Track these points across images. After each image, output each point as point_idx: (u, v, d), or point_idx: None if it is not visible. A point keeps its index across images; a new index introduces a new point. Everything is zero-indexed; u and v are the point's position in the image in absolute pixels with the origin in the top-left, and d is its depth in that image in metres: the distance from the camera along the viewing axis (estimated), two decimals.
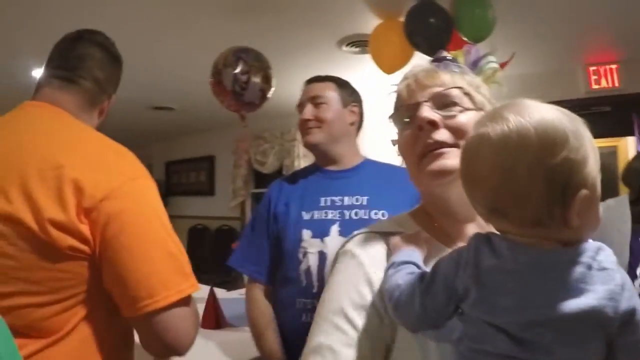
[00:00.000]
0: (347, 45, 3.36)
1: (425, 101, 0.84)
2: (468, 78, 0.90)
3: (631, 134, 3.81)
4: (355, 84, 1.88)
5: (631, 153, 3.98)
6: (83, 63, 1.17)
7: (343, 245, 0.93)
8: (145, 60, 3.62)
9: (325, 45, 3.37)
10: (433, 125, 0.82)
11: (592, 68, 3.95)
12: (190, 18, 2.91)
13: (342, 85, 1.83)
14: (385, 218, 1.56)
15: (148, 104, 5.12)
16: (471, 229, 0.85)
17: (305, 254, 1.62)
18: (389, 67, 2.92)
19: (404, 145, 0.89)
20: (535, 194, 0.59)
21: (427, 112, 0.83)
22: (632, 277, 2.00)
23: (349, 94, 1.83)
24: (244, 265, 1.79)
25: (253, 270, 1.76)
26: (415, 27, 2.68)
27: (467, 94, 0.86)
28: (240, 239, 1.90)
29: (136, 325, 1.03)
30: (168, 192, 7.73)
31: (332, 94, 1.78)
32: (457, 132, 0.82)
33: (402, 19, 2.75)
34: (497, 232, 0.66)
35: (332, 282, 0.88)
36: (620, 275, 0.60)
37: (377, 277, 0.81)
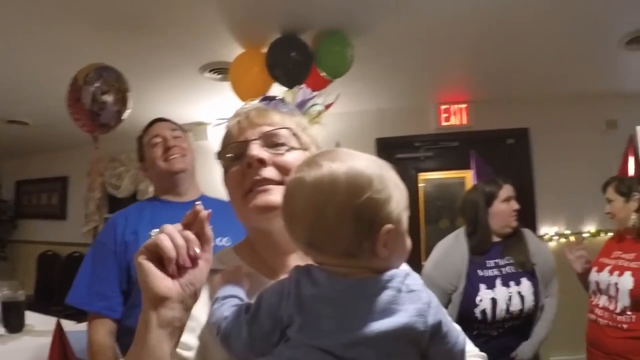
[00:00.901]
0: (209, 71, 3.34)
1: (255, 139, 0.87)
2: (296, 119, 0.96)
3: None
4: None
5: None
6: None
7: None
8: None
9: (187, 70, 3.33)
10: (261, 162, 0.85)
11: (443, 107, 4.34)
12: (53, 31, 2.72)
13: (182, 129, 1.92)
14: (228, 244, 1.62)
15: (0, 117, 4.68)
16: (293, 261, 0.88)
17: None
18: (247, 96, 2.85)
19: (231, 182, 0.90)
20: (344, 229, 0.66)
21: (257, 150, 0.85)
22: (472, 304, 2.12)
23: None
24: (89, 302, 1.66)
25: (102, 307, 1.64)
26: (276, 59, 2.74)
27: (294, 134, 0.91)
28: (78, 274, 1.74)
29: None
30: (17, 214, 7.02)
31: (181, 132, 1.86)
32: (284, 169, 0.85)
33: (264, 50, 2.80)
34: (316, 264, 0.71)
35: None
36: (426, 295, 0.67)
37: (202, 318, 0.81)
